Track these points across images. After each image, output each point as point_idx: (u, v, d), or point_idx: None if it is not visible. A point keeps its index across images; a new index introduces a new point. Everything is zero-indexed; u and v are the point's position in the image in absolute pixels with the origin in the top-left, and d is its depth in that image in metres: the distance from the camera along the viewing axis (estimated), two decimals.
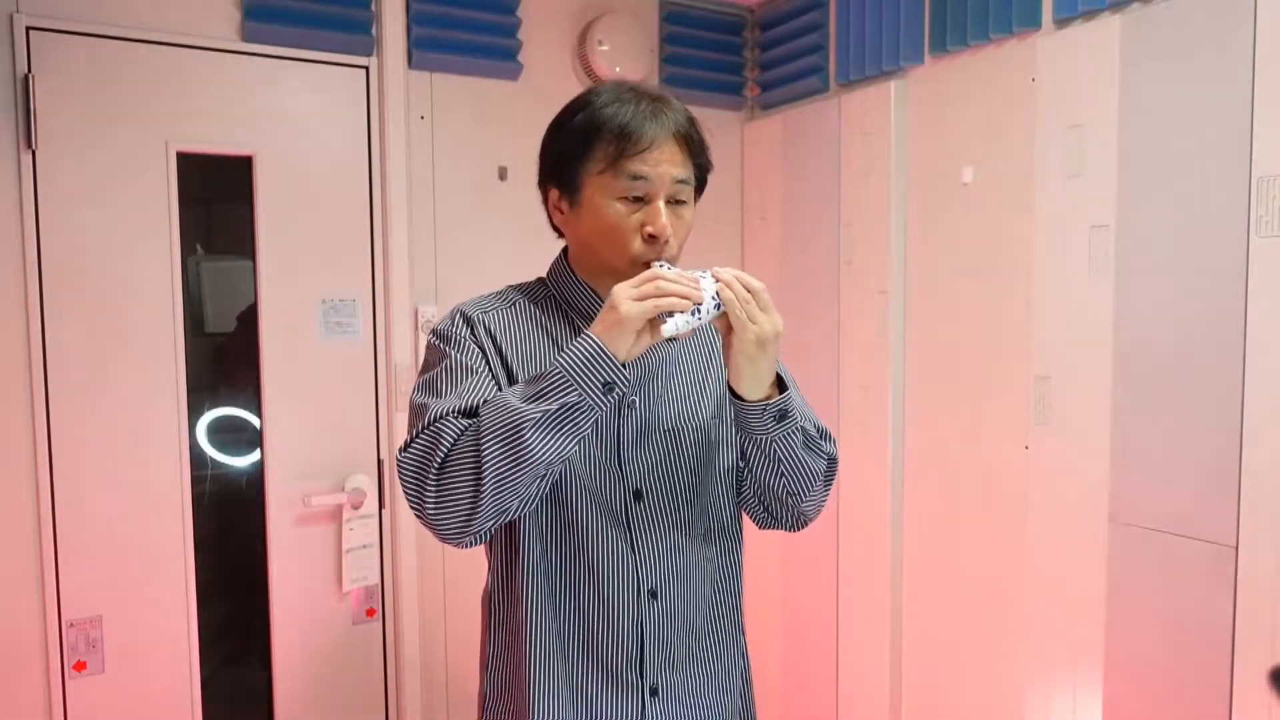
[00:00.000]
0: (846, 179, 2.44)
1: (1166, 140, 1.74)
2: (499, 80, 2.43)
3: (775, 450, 1.14)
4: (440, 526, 1.07)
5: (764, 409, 1.11)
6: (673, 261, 1.15)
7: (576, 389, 1.02)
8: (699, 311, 1.05)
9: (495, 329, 1.20)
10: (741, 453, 1.23)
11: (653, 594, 1.19)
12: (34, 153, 1.94)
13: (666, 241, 1.14)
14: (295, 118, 2.22)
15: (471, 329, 1.19)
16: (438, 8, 2.33)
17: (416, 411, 1.13)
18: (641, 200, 1.13)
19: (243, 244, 2.20)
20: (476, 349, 1.17)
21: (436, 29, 2.33)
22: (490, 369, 1.16)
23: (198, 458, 2.17)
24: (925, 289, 2.27)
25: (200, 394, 2.18)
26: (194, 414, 2.16)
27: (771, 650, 2.80)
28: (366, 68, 2.29)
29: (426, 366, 1.20)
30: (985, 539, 2.12)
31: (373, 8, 2.27)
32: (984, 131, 2.09)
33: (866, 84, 2.40)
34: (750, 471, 1.21)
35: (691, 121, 1.18)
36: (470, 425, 1.06)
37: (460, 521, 1.05)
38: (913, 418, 2.32)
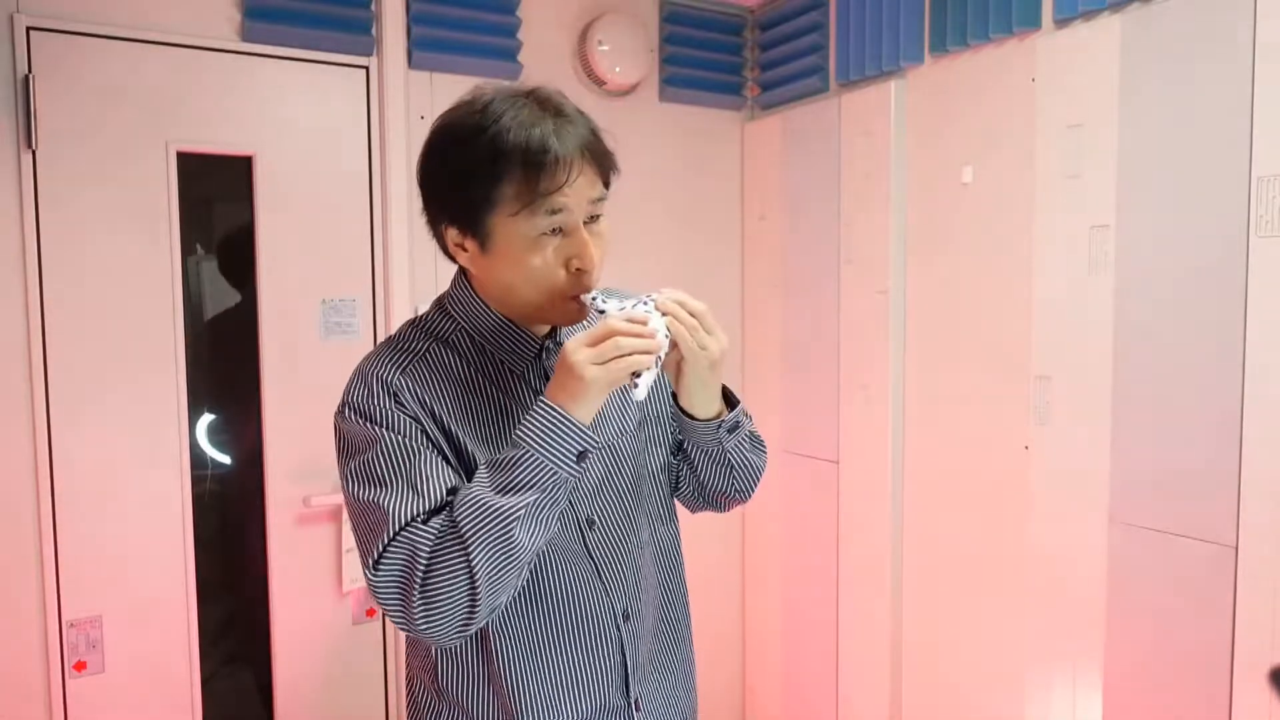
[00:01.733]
0: (846, 179, 2.44)
1: (1166, 140, 1.74)
2: (499, 80, 2.43)
3: (727, 457, 1.16)
4: (435, 635, 0.98)
5: (719, 425, 1.12)
6: (594, 285, 1.07)
7: (551, 467, 0.96)
8: (660, 357, 1.00)
9: (422, 393, 1.06)
10: (689, 462, 1.23)
11: (625, 615, 1.17)
12: (34, 153, 1.94)
13: (593, 274, 1.06)
14: (295, 118, 2.22)
15: (397, 398, 1.05)
16: (438, 8, 2.33)
17: (365, 511, 1.01)
18: (560, 231, 1.03)
19: (242, 244, 2.20)
20: (409, 421, 1.04)
21: (436, 29, 2.33)
22: (431, 441, 1.04)
23: (198, 458, 2.17)
24: (925, 289, 2.27)
25: (200, 394, 2.18)
26: (194, 414, 2.16)
27: (771, 650, 2.80)
28: (366, 68, 2.29)
29: (351, 451, 1.05)
30: (985, 539, 2.12)
31: (373, 8, 2.27)
32: (984, 131, 2.09)
33: (866, 84, 2.40)
34: (694, 474, 1.22)
35: (593, 128, 1.07)
36: (445, 529, 0.97)
37: (457, 628, 0.98)
38: (913, 418, 2.32)
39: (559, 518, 1.04)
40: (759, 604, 2.85)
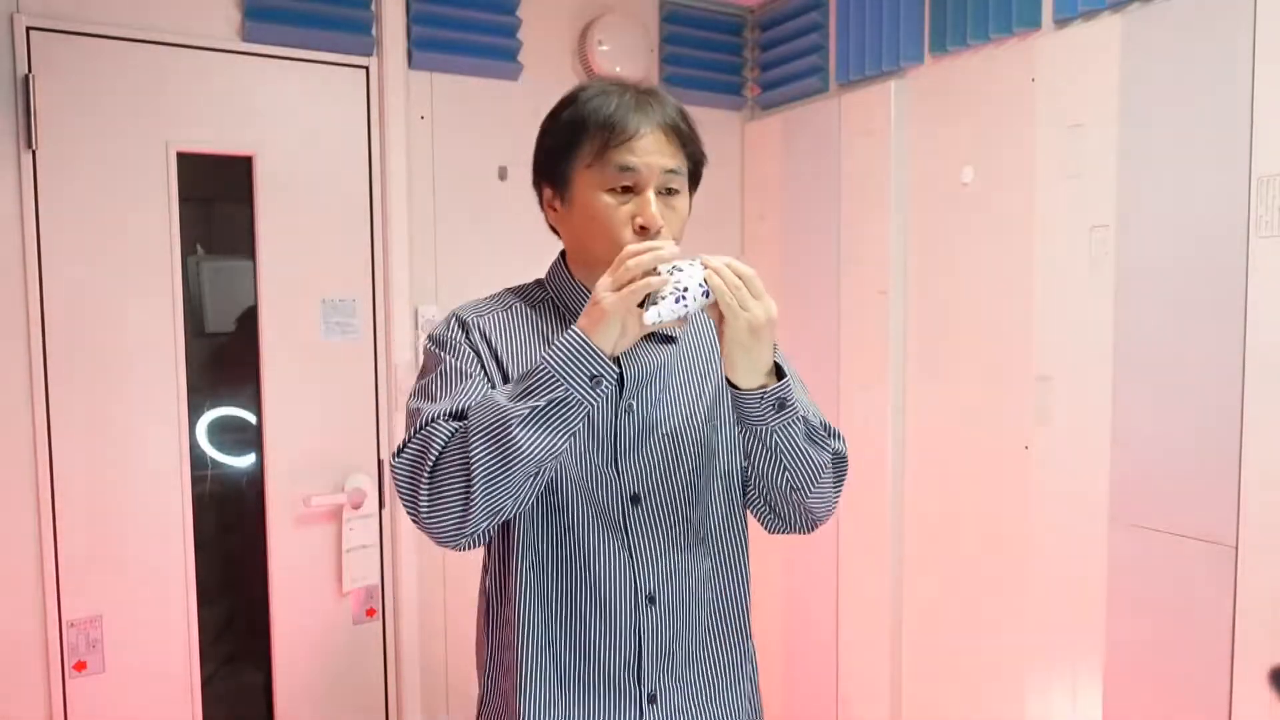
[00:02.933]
0: (846, 179, 2.44)
1: (1166, 140, 1.74)
2: (499, 80, 2.43)
3: (776, 442, 1.10)
4: (435, 530, 1.06)
5: (761, 397, 1.08)
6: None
7: (563, 384, 1.01)
8: (684, 298, 1.02)
9: (490, 332, 1.19)
10: (745, 450, 1.20)
11: (650, 599, 1.17)
12: (34, 153, 1.94)
13: (658, 232, 1.12)
14: (295, 118, 2.22)
15: (466, 333, 1.19)
16: (438, 8, 2.33)
17: (411, 416, 1.13)
18: (630, 191, 1.13)
19: (243, 244, 2.20)
20: (471, 352, 1.17)
21: (436, 29, 2.33)
22: (485, 372, 1.15)
23: (198, 458, 2.17)
24: (925, 289, 2.27)
25: (200, 394, 2.18)
26: (194, 414, 2.16)
27: (772, 650, 2.80)
28: (366, 68, 2.29)
29: (423, 372, 1.19)
30: (985, 539, 2.12)
31: (373, 8, 2.27)
32: (984, 131, 2.09)
33: (866, 84, 2.40)
34: (753, 468, 1.17)
35: (681, 113, 1.18)
36: (460, 427, 1.05)
37: (454, 524, 1.04)
38: (913, 418, 2.32)
39: (604, 484, 1.15)
40: (759, 604, 2.85)
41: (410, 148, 2.33)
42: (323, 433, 2.28)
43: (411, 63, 2.32)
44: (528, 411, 1.00)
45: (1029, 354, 2.00)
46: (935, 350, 2.25)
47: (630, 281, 1.01)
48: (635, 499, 1.18)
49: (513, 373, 1.17)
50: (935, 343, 2.25)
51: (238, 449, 2.26)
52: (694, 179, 1.21)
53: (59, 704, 2.01)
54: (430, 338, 1.22)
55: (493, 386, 1.14)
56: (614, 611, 1.16)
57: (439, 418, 1.07)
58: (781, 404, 1.09)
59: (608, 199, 1.13)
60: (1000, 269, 2.07)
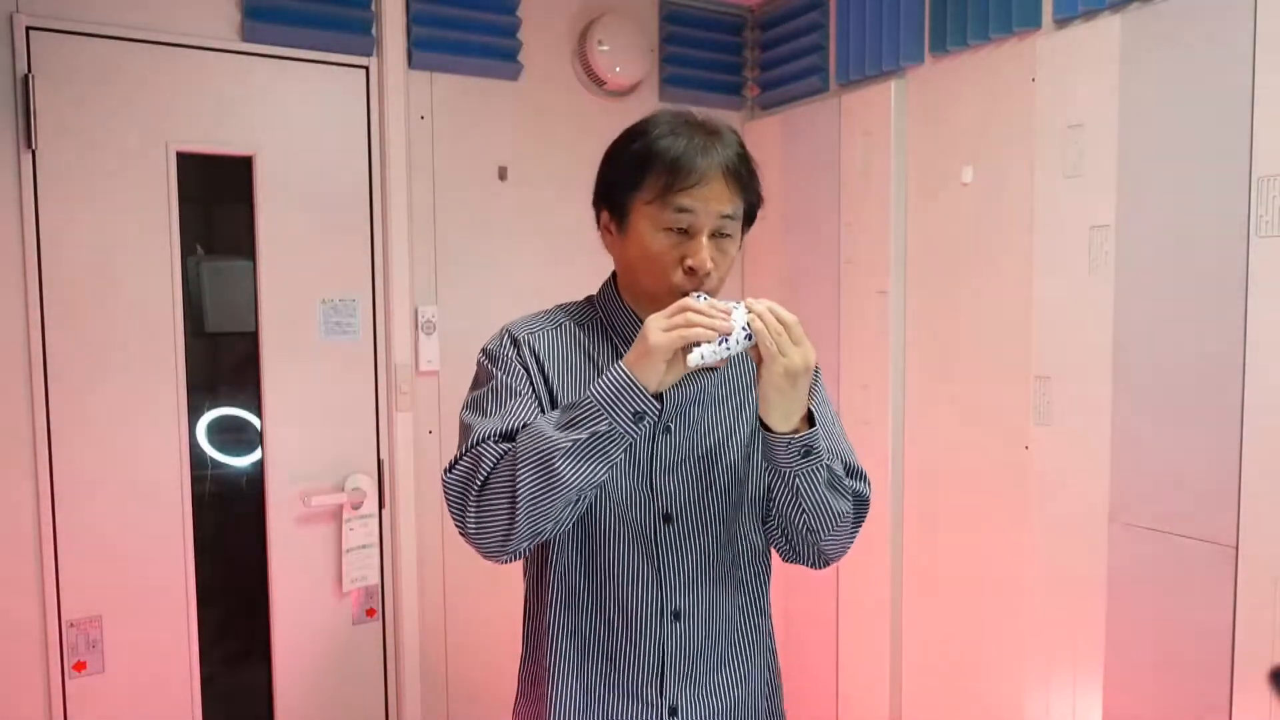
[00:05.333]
0: (846, 179, 2.44)
1: (1166, 140, 1.74)
2: (499, 80, 2.43)
3: (797, 484, 1.14)
4: (481, 544, 1.12)
5: (789, 442, 1.11)
6: (713, 294, 1.16)
7: (607, 419, 1.05)
8: (726, 342, 1.06)
9: (540, 350, 1.23)
10: (768, 485, 1.23)
11: (676, 616, 1.21)
12: (34, 153, 1.94)
13: (707, 274, 1.15)
14: (295, 118, 2.22)
15: (518, 349, 1.22)
16: (438, 8, 2.33)
17: (464, 430, 1.18)
18: (685, 233, 1.15)
19: (243, 244, 2.20)
20: (521, 370, 1.20)
21: (436, 29, 2.33)
22: (534, 390, 1.19)
23: (198, 458, 2.17)
24: (925, 289, 2.27)
25: (200, 394, 2.18)
26: (194, 414, 2.16)
27: None
28: (366, 68, 2.29)
29: (475, 384, 1.24)
30: (985, 539, 2.12)
31: (373, 8, 2.27)
32: (984, 131, 2.09)
33: (866, 84, 2.40)
34: (774, 502, 1.21)
35: (742, 156, 1.19)
36: (509, 450, 1.10)
37: (498, 541, 1.10)
38: (913, 418, 2.31)
39: (639, 501, 1.19)
40: None
41: (410, 148, 2.33)
42: (323, 433, 2.28)
43: (411, 63, 2.32)
44: (570, 445, 1.05)
45: (1029, 354, 2.00)
46: (935, 350, 2.25)
47: (682, 325, 1.05)
48: (667, 518, 1.21)
49: (560, 391, 1.21)
50: (935, 342, 2.25)
51: (238, 449, 2.26)
52: (749, 218, 1.23)
53: (59, 704, 2.01)
54: (484, 351, 1.26)
55: (541, 404, 1.19)
56: (639, 626, 1.21)
57: (489, 438, 1.13)
58: (808, 451, 1.12)
59: (662, 237, 1.15)
60: (1000, 269, 2.07)
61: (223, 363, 2.26)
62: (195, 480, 2.15)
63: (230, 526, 2.28)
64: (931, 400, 2.26)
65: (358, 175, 2.30)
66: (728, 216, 1.16)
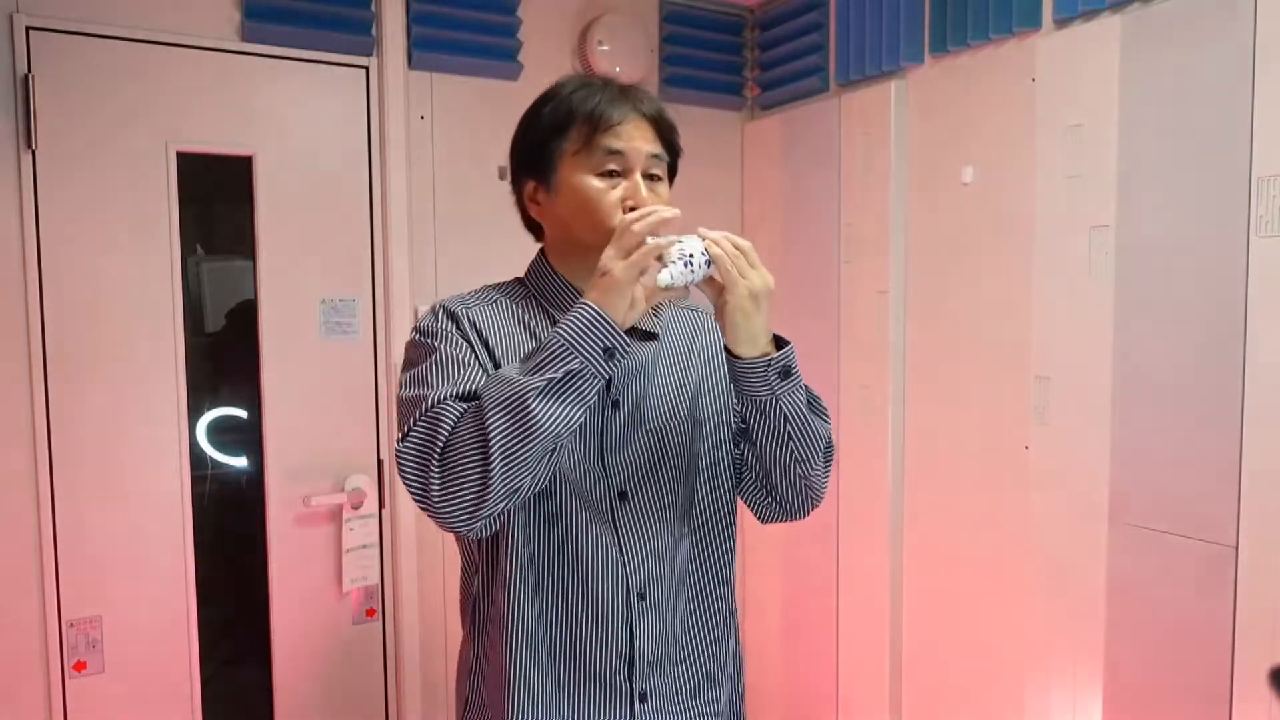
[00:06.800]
0: (846, 179, 2.44)
1: (1166, 140, 1.74)
2: (499, 80, 2.43)
3: (781, 410, 1.10)
4: (448, 514, 1.02)
5: (767, 364, 1.08)
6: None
7: (578, 355, 1.00)
8: (691, 263, 1.04)
9: (480, 323, 1.18)
10: (742, 431, 1.21)
11: (641, 596, 1.17)
12: (34, 153, 1.94)
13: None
14: (295, 118, 2.22)
15: (456, 323, 1.17)
16: (438, 8, 2.33)
17: (410, 404, 1.08)
18: (618, 174, 1.14)
19: (243, 244, 2.20)
20: (464, 342, 1.15)
21: (436, 29, 2.33)
22: (479, 362, 1.13)
23: (198, 458, 2.17)
24: (925, 289, 2.27)
25: (200, 394, 2.18)
26: (194, 414, 2.16)
27: (771, 650, 2.80)
28: (366, 68, 2.29)
29: (411, 363, 1.16)
30: (985, 539, 2.12)
31: (373, 8, 2.27)
32: (984, 131, 2.09)
33: (866, 84, 2.40)
34: (754, 447, 1.17)
35: (659, 109, 1.19)
36: (471, 406, 1.03)
37: (470, 507, 1.00)
38: (913, 418, 2.31)
39: (593, 480, 1.15)
40: (759, 604, 2.85)
41: (410, 148, 2.33)
42: (322, 433, 2.28)
43: (411, 63, 2.32)
44: (544, 384, 0.98)
45: (1029, 354, 2.00)
46: (935, 350, 2.25)
47: (637, 246, 1.02)
48: (623, 495, 1.18)
49: (504, 363, 1.15)
50: (935, 342, 2.25)
51: (238, 449, 2.26)
52: (672, 172, 1.22)
53: (59, 704, 2.01)
54: (417, 329, 1.19)
55: (488, 374, 1.12)
56: (607, 609, 1.16)
57: (445, 399, 1.05)
58: (786, 371, 1.10)
59: (596, 183, 1.14)
60: (1000, 269, 2.07)
61: (223, 363, 2.26)
62: (195, 480, 2.15)
63: (230, 526, 2.28)
64: (931, 400, 2.26)
65: (358, 175, 2.30)
66: (656, 157, 1.16)
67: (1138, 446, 1.80)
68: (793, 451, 1.14)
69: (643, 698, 1.18)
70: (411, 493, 1.04)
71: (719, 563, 1.27)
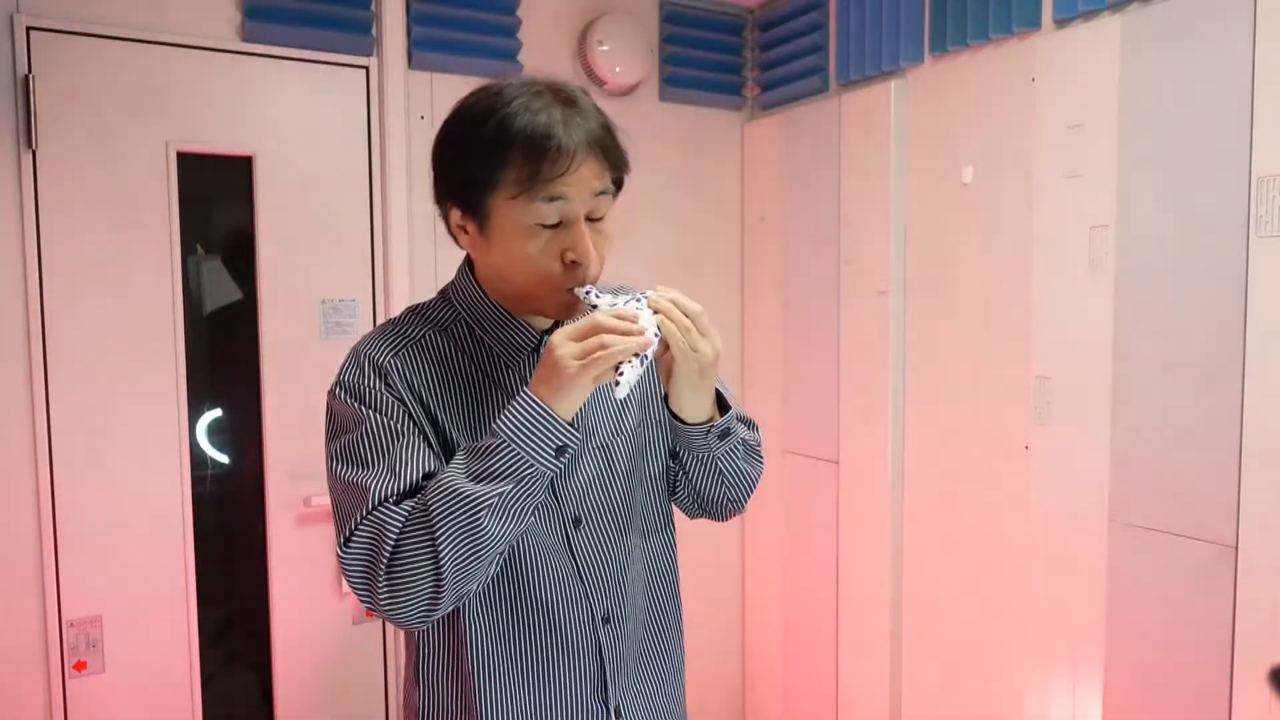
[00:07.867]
0: (846, 179, 2.44)
1: (1166, 140, 1.74)
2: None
3: (718, 465, 1.14)
4: (398, 619, 0.99)
5: (708, 430, 1.10)
6: (594, 281, 1.05)
7: (529, 460, 0.95)
8: (645, 357, 0.97)
9: (411, 377, 1.06)
10: (678, 461, 1.21)
11: (606, 619, 1.15)
12: (34, 153, 1.94)
13: (589, 265, 1.03)
14: (295, 118, 2.22)
15: (386, 382, 1.05)
16: (438, 8, 2.33)
17: (347, 494, 1.01)
18: (559, 225, 1.01)
19: (243, 244, 2.20)
20: (396, 404, 1.04)
21: (436, 29, 2.33)
22: (416, 424, 1.04)
23: (198, 458, 2.17)
24: (925, 289, 2.27)
25: (200, 394, 2.18)
26: (194, 414, 2.16)
27: (771, 650, 2.80)
28: (366, 68, 2.29)
29: (340, 430, 1.06)
30: (985, 539, 2.12)
31: (373, 8, 2.27)
32: (984, 131, 2.09)
33: (866, 84, 2.40)
34: (687, 479, 1.20)
35: (606, 126, 1.05)
36: (415, 511, 0.97)
37: (421, 612, 0.97)
38: (913, 418, 2.32)
39: (543, 512, 1.08)
40: (759, 604, 2.85)
41: (410, 148, 2.33)
42: (322, 434, 2.27)
43: (411, 63, 2.32)
44: (497, 499, 0.94)
45: (1029, 354, 2.00)
46: (935, 350, 2.25)
47: (597, 348, 0.94)
48: (577, 521, 1.14)
49: (443, 419, 1.07)
50: (935, 342, 2.25)
51: (238, 449, 2.26)
52: (618, 186, 1.10)
53: (59, 704, 2.01)
54: (342, 385, 1.07)
55: (428, 441, 1.05)
56: (575, 639, 1.14)
57: (386, 500, 0.98)
58: (725, 433, 1.12)
59: (536, 234, 1.01)
60: (1000, 269, 2.07)
61: (223, 363, 2.26)
62: (195, 480, 2.15)
63: (230, 526, 2.28)
64: (931, 400, 2.26)
65: (358, 175, 2.30)
66: (602, 194, 1.03)
67: (1138, 446, 1.80)
68: (724, 493, 1.19)
69: (618, 714, 1.18)
70: (358, 596, 1.00)
71: (664, 562, 1.27)
